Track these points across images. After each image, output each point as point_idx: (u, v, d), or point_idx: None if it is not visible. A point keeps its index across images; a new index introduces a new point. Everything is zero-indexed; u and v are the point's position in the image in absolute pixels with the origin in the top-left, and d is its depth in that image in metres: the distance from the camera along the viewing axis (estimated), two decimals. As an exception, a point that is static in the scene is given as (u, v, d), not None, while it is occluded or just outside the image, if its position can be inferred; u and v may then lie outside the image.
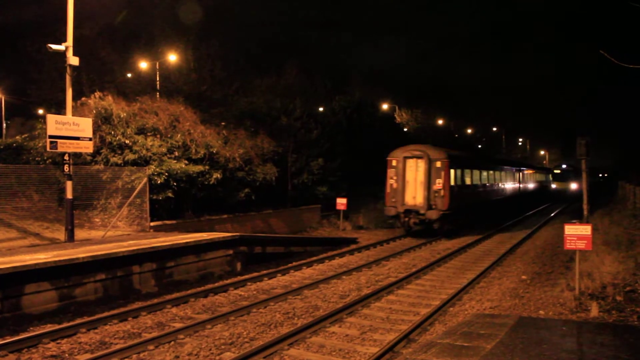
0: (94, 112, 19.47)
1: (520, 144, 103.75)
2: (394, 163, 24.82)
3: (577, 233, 11.59)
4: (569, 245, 11.69)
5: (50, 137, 14.86)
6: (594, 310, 10.37)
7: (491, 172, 33.22)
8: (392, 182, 24.67)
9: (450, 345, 8.14)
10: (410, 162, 24.48)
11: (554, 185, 61.27)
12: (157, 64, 35.02)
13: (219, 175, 21.49)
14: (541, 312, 10.94)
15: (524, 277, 15.07)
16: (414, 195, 24.21)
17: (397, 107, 56.52)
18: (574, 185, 58.46)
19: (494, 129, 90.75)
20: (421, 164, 24.13)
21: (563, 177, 62.53)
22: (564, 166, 66.03)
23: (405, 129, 50.41)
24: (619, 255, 14.12)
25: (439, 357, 7.58)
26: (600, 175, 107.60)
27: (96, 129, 18.65)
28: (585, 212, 16.75)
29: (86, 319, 10.93)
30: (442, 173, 23.68)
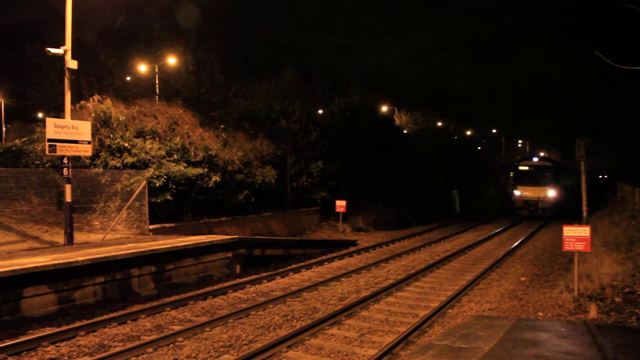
0: (93, 115, 19.50)
1: (520, 145, 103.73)
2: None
3: (576, 234, 11.61)
4: (567, 246, 11.71)
5: (50, 140, 14.88)
6: (593, 312, 10.38)
7: None
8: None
9: (449, 347, 8.13)
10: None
11: (517, 193, 39.23)
12: (156, 67, 35.07)
13: (218, 178, 21.50)
14: (540, 313, 10.95)
15: (522, 278, 15.09)
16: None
17: (396, 109, 56.54)
18: (552, 193, 38.03)
19: (494, 130, 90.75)
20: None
21: (534, 179, 38.99)
22: (535, 159, 41.57)
23: (404, 131, 50.42)
24: (618, 257, 14.13)
25: (437, 358, 7.58)
26: (600, 177, 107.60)
27: (95, 132, 18.66)
28: (584, 214, 16.75)
29: (85, 322, 10.93)
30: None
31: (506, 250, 21.03)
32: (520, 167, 40.22)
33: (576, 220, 18.48)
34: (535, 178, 38.49)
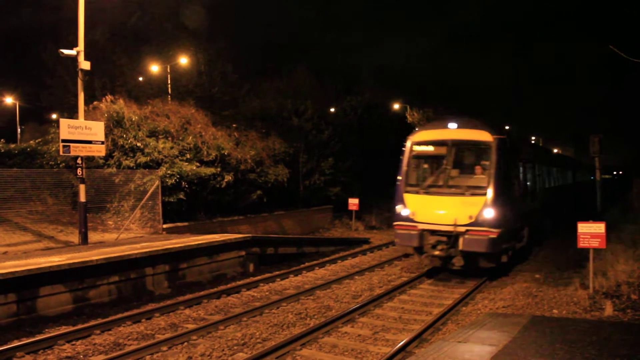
0: (106, 115, 19.63)
1: (532, 142, 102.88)
2: None
3: (590, 231, 11.50)
4: (582, 243, 11.60)
5: (63, 141, 15.01)
6: (609, 309, 10.27)
7: None
8: None
9: (463, 345, 8.10)
10: None
11: (404, 213, 14.95)
12: (168, 67, 35.22)
13: (230, 178, 21.56)
14: (555, 311, 10.86)
15: (537, 276, 14.98)
16: None
17: (408, 107, 56.26)
18: (492, 211, 13.69)
19: (507, 127, 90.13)
20: None
21: (449, 176, 14.87)
22: (452, 124, 15.31)
23: (416, 129, 50.17)
24: (634, 254, 13.98)
25: (451, 356, 7.55)
26: (615, 172, 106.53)
27: (108, 132, 18.79)
28: (599, 210, 16.61)
29: (100, 320, 11.02)
30: None
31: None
32: (417, 148, 15.79)
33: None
34: (449, 174, 14.91)
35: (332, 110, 39.20)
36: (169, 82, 34.94)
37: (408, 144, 15.72)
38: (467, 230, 13.64)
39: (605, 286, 11.66)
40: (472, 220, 13.60)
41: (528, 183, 17.47)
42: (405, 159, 15.46)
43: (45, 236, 16.27)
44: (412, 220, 14.55)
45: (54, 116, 36.97)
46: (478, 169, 14.61)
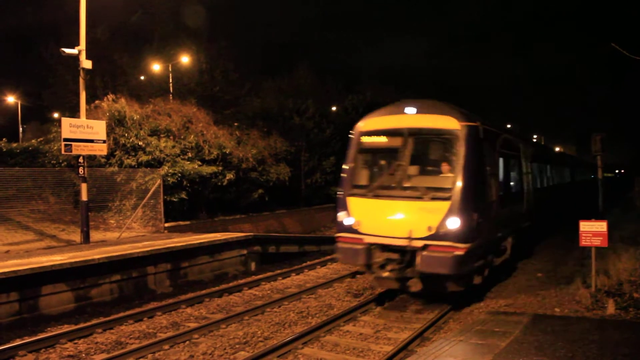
0: (108, 114, 19.66)
1: (534, 140, 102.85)
2: None
3: (592, 230, 11.47)
4: (584, 242, 11.57)
5: (65, 140, 15.03)
6: (611, 308, 10.25)
7: None
8: None
9: (464, 343, 8.10)
10: None
11: (347, 222, 11.68)
12: (170, 66, 35.24)
13: (232, 176, 21.57)
14: (556, 309, 10.83)
15: (539, 274, 14.95)
16: None
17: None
18: (457, 220, 10.45)
19: (508, 125, 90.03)
20: None
21: (403, 177, 11.39)
22: (409, 109, 11.68)
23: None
24: (635, 252, 13.93)
25: (453, 355, 7.55)
26: (617, 171, 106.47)
27: (110, 131, 18.81)
28: (601, 208, 16.58)
29: (102, 319, 11.03)
30: None
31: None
32: (365, 139, 12.27)
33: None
34: (405, 173, 11.41)
35: (334, 109, 39.22)
36: (171, 81, 34.97)
37: (355, 134, 12.40)
38: (426, 246, 10.48)
39: (607, 285, 11.63)
40: (433, 232, 10.45)
41: (512, 183, 14.81)
42: (351, 153, 12.23)
43: (47, 235, 16.29)
44: (356, 232, 11.33)
45: (56, 115, 37.03)
46: (444, 166, 11.19)
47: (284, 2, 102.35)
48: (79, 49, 15.51)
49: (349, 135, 12.64)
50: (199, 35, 38.09)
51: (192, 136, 21.03)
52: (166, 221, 18.81)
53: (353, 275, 15.74)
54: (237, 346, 9.51)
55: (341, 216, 11.83)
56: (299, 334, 9.76)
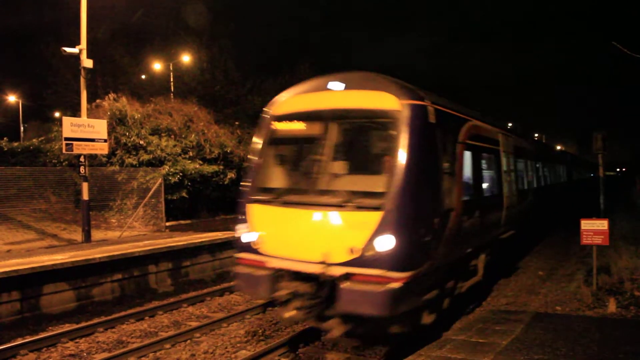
0: (109, 113, 19.67)
1: (535, 138, 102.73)
2: None
3: (593, 228, 11.46)
4: (585, 240, 11.56)
5: (66, 139, 15.04)
6: (612, 306, 10.25)
7: None
8: None
9: (466, 342, 8.10)
10: None
11: (246, 238, 8.54)
12: (171, 65, 35.26)
13: (233, 175, 21.58)
14: (558, 307, 10.83)
15: (540, 273, 14.95)
16: None
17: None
18: (391, 239, 7.36)
19: (509, 124, 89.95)
20: None
21: (322, 176, 8.34)
22: (334, 83, 8.73)
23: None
24: (637, 251, 13.94)
25: (454, 353, 7.55)
26: (618, 169, 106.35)
27: (111, 130, 18.82)
28: (602, 207, 16.56)
29: (103, 318, 11.05)
30: None
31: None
32: (278, 126, 9.17)
33: None
34: (325, 171, 8.30)
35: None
36: (172, 80, 34.99)
37: (265, 119, 9.32)
38: (349, 275, 7.37)
39: (608, 283, 11.64)
40: (357, 254, 7.34)
41: (486, 184, 11.55)
42: (257, 144, 9.21)
43: (49, 234, 16.30)
44: (258, 252, 8.28)
45: (57, 114, 37.09)
46: (379, 161, 8.10)
47: (284, 1, 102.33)
48: (80, 48, 15.52)
49: (260, 121, 9.54)
50: (200, 34, 38.10)
51: (193, 135, 21.05)
52: (167, 220, 18.82)
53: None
54: (238, 345, 9.52)
55: (240, 230, 8.59)
56: (301, 331, 9.76)
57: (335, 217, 7.71)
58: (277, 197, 8.46)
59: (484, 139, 11.65)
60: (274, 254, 8.13)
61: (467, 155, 10.20)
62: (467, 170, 10.17)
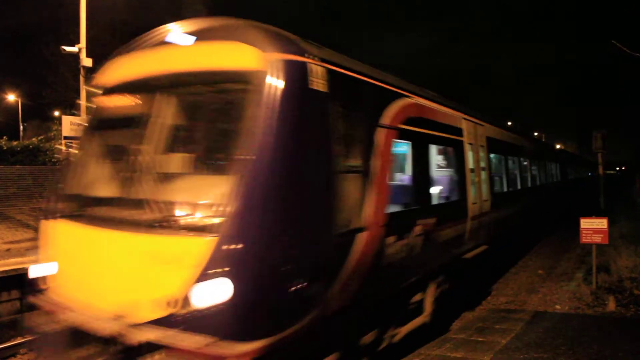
0: (109, 112, 19.65)
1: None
2: None
3: (593, 227, 11.46)
4: (585, 239, 11.57)
5: (66, 138, 15.05)
6: (611, 305, 10.26)
7: None
8: None
9: (465, 341, 8.10)
10: None
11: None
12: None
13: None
14: (557, 306, 10.85)
15: (540, 271, 14.96)
16: None
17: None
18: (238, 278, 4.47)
19: (509, 123, 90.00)
20: None
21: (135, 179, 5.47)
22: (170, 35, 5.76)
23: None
24: (636, 249, 13.95)
25: (453, 352, 7.56)
26: (618, 168, 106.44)
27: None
28: (601, 205, 16.58)
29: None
30: None
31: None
32: (102, 103, 6.36)
33: None
34: (142, 172, 5.28)
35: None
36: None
37: (90, 91, 6.85)
38: (159, 346, 4.35)
39: (608, 282, 11.65)
40: (176, 309, 4.38)
41: (436, 188, 8.90)
42: (80, 132, 7.28)
43: (48, 233, 16.25)
44: (47, 295, 5.76)
45: (56, 113, 37.09)
46: (228, 153, 4.95)
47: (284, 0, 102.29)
48: (79, 47, 15.53)
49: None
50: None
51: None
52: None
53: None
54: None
55: (33, 260, 6.12)
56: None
57: (144, 243, 4.75)
58: (79, 208, 5.67)
59: (433, 125, 8.65)
60: (70, 298, 5.29)
61: (401, 147, 7.61)
62: (401, 169, 7.98)
